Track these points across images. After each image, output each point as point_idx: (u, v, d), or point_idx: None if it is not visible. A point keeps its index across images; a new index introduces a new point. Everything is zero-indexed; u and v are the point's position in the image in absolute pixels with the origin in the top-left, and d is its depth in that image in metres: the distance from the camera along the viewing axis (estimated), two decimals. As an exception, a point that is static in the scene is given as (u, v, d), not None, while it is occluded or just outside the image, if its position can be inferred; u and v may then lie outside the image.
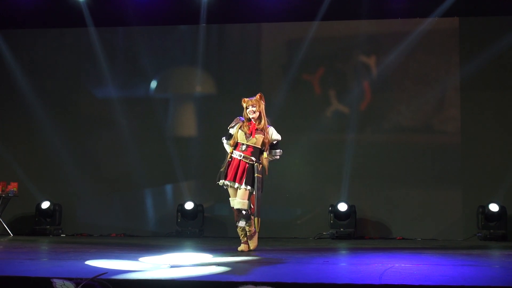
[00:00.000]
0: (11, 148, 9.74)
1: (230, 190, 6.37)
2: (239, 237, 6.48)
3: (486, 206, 8.63)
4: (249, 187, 6.24)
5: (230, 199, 6.40)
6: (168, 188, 9.66)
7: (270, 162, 6.47)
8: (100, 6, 9.60)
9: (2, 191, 9.21)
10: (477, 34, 9.25)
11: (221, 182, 6.37)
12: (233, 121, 6.48)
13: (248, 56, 9.79)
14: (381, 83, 9.42)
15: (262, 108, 6.37)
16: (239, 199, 6.29)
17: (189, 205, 9.14)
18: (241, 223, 6.31)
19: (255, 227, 6.36)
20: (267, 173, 6.38)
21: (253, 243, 6.46)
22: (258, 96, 6.40)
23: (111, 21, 9.79)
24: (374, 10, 9.22)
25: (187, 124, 9.71)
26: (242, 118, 6.43)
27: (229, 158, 6.37)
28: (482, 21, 9.26)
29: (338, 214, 8.88)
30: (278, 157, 6.53)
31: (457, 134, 9.18)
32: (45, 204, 9.29)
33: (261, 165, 6.32)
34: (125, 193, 9.68)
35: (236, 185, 6.27)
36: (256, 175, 6.25)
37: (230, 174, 6.29)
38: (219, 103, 9.56)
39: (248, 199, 6.29)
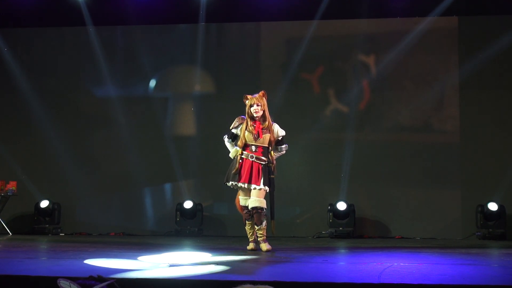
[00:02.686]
0: (10, 147, 9.72)
1: (242, 192, 6.32)
2: (247, 236, 6.44)
3: (485, 205, 8.63)
4: (266, 187, 6.22)
5: (241, 197, 6.34)
6: (167, 187, 9.66)
7: (276, 158, 6.45)
8: (99, 5, 9.59)
9: (1, 190, 9.20)
10: (476, 33, 9.24)
11: (231, 183, 6.29)
12: (235, 120, 6.42)
13: (247, 55, 9.78)
14: (380, 82, 9.42)
15: (266, 106, 6.32)
16: (254, 197, 6.20)
17: (188, 204, 9.13)
18: (264, 224, 6.25)
19: (271, 230, 6.35)
20: (275, 172, 6.36)
21: (266, 246, 6.32)
22: (261, 93, 6.33)
23: (110, 20, 9.77)
24: (373, 9, 9.21)
25: (186, 123, 9.70)
26: (244, 117, 6.37)
27: (240, 160, 6.27)
28: (481, 21, 9.25)
29: (337, 213, 8.88)
30: (284, 152, 6.52)
31: (456, 133, 9.18)
32: (44, 203, 9.28)
33: (273, 165, 6.31)
34: (124, 192, 9.67)
35: (253, 186, 6.19)
36: (270, 176, 6.25)
37: (244, 176, 6.20)
38: (218, 102, 9.56)
39: (264, 198, 6.26)
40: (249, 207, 6.25)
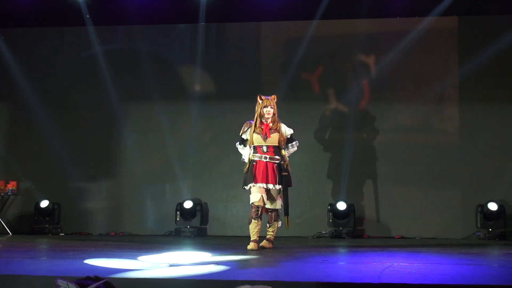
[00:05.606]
0: (10, 147, 9.73)
1: (255, 188, 6.40)
2: (250, 235, 6.49)
3: (485, 205, 8.63)
4: (281, 187, 6.42)
5: (252, 196, 6.42)
6: (167, 187, 9.65)
7: (289, 156, 6.64)
8: (99, 5, 9.59)
9: (1, 189, 9.21)
10: (476, 33, 9.24)
11: (248, 186, 6.43)
12: (243, 126, 6.58)
13: (247, 55, 9.78)
14: (380, 82, 9.42)
15: (276, 110, 6.53)
16: (274, 200, 6.47)
17: (188, 204, 9.13)
18: (279, 224, 6.57)
19: (285, 225, 6.56)
20: (290, 169, 6.52)
21: (270, 244, 6.62)
22: (273, 97, 6.54)
23: (110, 20, 9.78)
24: (373, 9, 9.21)
25: (186, 123, 9.69)
26: (251, 121, 6.51)
27: (253, 162, 6.42)
28: (481, 20, 9.25)
29: (337, 213, 8.88)
30: (296, 148, 6.69)
31: (456, 133, 9.18)
32: (44, 203, 9.28)
33: (286, 163, 6.47)
34: (124, 192, 9.67)
35: (271, 186, 6.38)
36: (283, 173, 6.41)
37: (260, 176, 6.36)
38: (218, 102, 9.55)
39: (280, 199, 6.49)
40: (268, 207, 6.46)
